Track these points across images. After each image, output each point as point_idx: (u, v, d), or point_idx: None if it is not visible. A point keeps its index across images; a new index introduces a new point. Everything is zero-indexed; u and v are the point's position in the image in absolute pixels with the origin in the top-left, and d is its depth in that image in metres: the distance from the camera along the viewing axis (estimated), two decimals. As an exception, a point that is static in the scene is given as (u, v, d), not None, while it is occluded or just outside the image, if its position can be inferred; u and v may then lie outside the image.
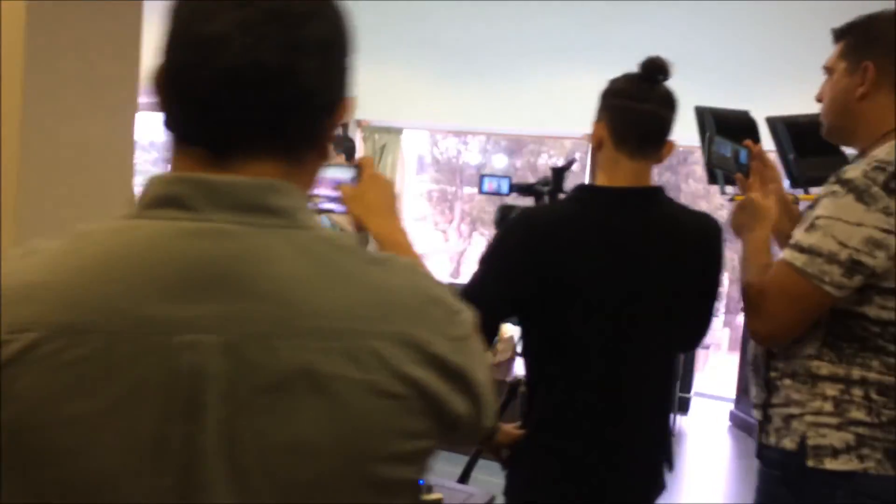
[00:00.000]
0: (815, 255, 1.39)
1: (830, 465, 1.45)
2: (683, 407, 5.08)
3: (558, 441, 1.53)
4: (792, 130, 2.46)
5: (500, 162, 10.95)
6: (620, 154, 1.53)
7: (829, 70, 1.58)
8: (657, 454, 1.59)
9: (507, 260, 1.51)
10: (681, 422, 5.16)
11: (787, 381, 1.52)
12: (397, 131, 6.37)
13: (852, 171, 1.42)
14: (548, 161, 10.20)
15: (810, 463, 1.46)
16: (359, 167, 1.15)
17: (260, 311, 0.62)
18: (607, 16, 5.64)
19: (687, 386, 5.01)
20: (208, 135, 0.66)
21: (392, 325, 0.66)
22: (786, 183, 2.05)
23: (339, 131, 5.81)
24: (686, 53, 5.42)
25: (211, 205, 0.64)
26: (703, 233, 1.57)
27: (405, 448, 0.66)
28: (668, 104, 1.54)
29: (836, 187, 1.41)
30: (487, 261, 1.53)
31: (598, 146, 1.57)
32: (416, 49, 6.17)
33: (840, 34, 1.56)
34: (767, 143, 2.77)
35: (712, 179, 2.97)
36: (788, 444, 1.49)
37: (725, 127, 2.78)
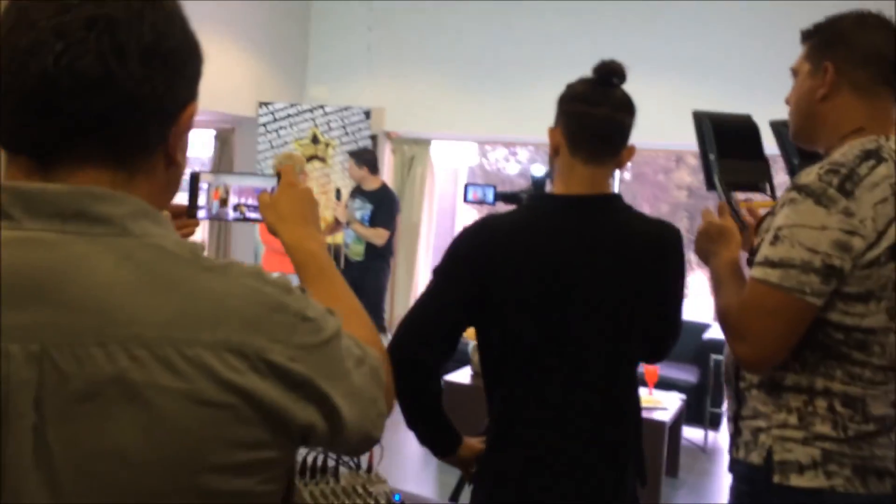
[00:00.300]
0: (789, 268, 1.33)
1: (796, 481, 1.40)
2: (715, 422, 4.94)
3: (510, 454, 1.50)
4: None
5: (539, 171, 10.88)
6: (575, 160, 1.50)
7: (794, 72, 1.54)
8: (616, 468, 1.52)
9: (455, 269, 1.50)
10: (713, 437, 5.02)
11: (755, 392, 1.47)
12: (425, 142, 6.38)
13: (806, 177, 1.37)
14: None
15: (776, 479, 1.41)
16: (279, 176, 1.14)
17: (71, 320, 0.62)
18: (632, 21, 5.57)
19: (718, 401, 4.86)
20: (28, 143, 0.66)
21: (219, 333, 0.65)
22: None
23: (367, 143, 5.80)
24: (706, 55, 5.33)
25: (27, 214, 0.64)
26: (659, 240, 1.53)
27: (237, 458, 0.65)
28: (624, 108, 1.50)
29: (794, 194, 1.37)
30: (439, 270, 1.53)
31: (554, 153, 1.55)
32: (443, 60, 6.18)
33: (806, 35, 1.51)
34: (770, 146, 2.67)
35: (711, 186, 2.89)
36: (755, 458, 1.44)
37: (725, 134, 2.70)
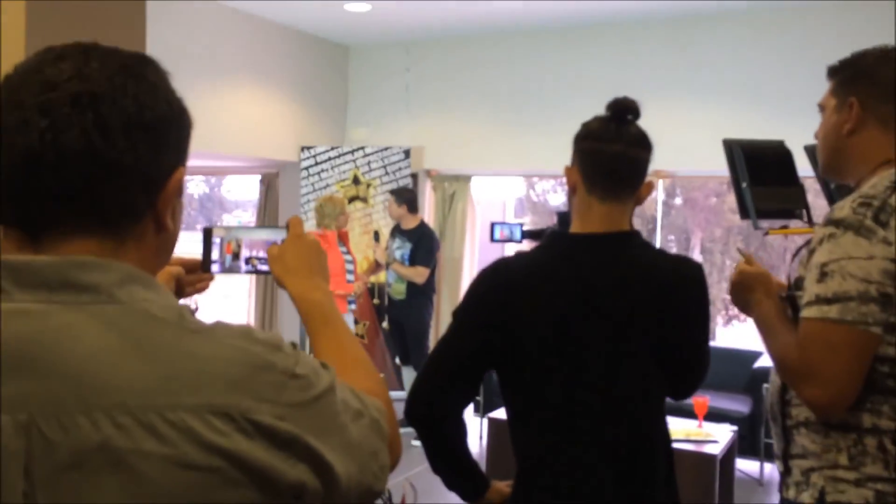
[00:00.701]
0: (847, 301, 1.31)
1: None
2: (770, 454, 4.77)
3: (536, 499, 1.48)
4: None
5: (564, 206, 10.77)
6: (592, 198, 1.50)
7: (822, 107, 1.56)
8: None
9: (475, 311, 1.51)
10: (769, 469, 4.85)
11: (803, 430, 1.44)
12: (466, 178, 6.43)
13: (840, 211, 1.37)
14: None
15: None
16: (287, 228, 1.17)
17: (57, 389, 0.63)
18: (676, 50, 5.55)
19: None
20: (17, 217, 0.70)
21: (202, 396, 0.66)
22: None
23: (408, 182, 5.91)
24: (751, 81, 5.27)
25: (15, 285, 0.67)
26: (680, 277, 1.50)
27: None
28: (639, 144, 1.49)
29: (831, 229, 1.35)
30: (459, 314, 1.53)
31: (572, 191, 1.54)
32: (480, 96, 6.24)
33: (832, 72, 1.54)
34: (804, 171, 2.63)
35: (745, 215, 2.84)
36: (807, 498, 1.42)
37: (757, 161, 2.66)
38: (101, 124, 0.68)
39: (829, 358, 1.32)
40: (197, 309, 0.81)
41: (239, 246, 1.19)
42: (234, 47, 5.72)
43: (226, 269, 1.18)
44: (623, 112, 1.49)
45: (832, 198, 2.65)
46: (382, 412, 0.83)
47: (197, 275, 1.16)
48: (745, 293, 1.56)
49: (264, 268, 1.18)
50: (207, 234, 1.17)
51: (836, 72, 1.52)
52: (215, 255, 1.18)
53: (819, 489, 1.40)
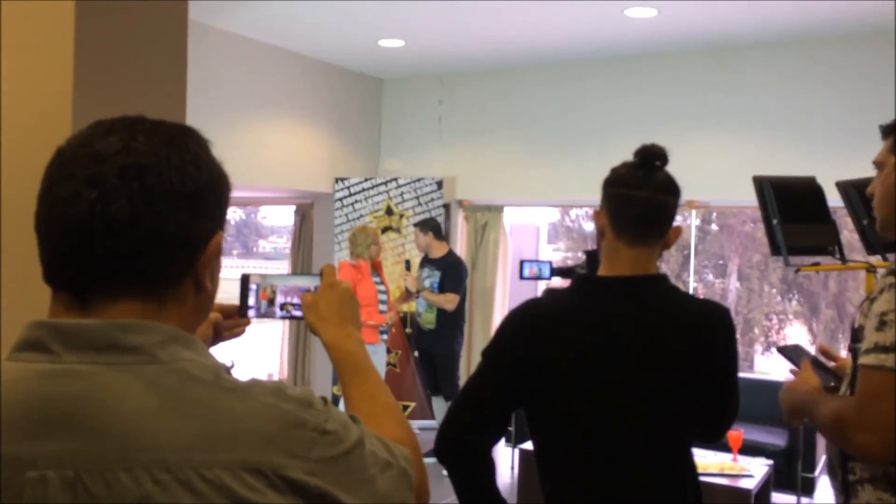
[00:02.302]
0: None
1: None
2: (808, 488, 4.69)
3: None
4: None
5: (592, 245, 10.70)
6: (620, 242, 1.53)
7: (878, 165, 1.57)
8: None
9: (503, 351, 1.54)
10: (806, 503, 4.76)
11: (868, 487, 1.44)
12: (498, 209, 6.47)
13: None
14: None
15: None
16: (321, 276, 1.21)
17: (100, 446, 0.67)
18: (708, 81, 5.55)
19: (811, 465, 4.63)
20: (67, 282, 0.74)
21: (237, 453, 0.69)
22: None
23: (440, 212, 5.97)
24: (783, 114, 5.24)
25: (65, 347, 0.71)
26: (706, 320, 1.52)
27: None
28: (667, 190, 1.52)
29: (892, 279, 1.38)
30: (487, 353, 1.56)
31: (601, 235, 1.58)
32: (512, 127, 6.29)
33: (888, 130, 1.56)
34: (835, 205, 2.61)
35: (776, 251, 2.83)
36: None
37: (787, 197, 2.66)
38: (147, 194, 0.73)
39: (885, 405, 1.31)
40: (233, 366, 0.85)
41: (274, 292, 1.23)
42: (271, 81, 5.86)
43: (261, 315, 1.22)
44: (651, 158, 1.52)
45: (865, 234, 2.64)
46: (410, 461, 0.85)
47: (234, 320, 1.19)
48: (801, 406, 1.57)
49: (298, 313, 1.22)
50: (244, 281, 1.21)
51: (892, 130, 1.54)
52: (251, 300, 1.22)
53: None
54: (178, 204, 0.75)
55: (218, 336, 1.18)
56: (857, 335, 1.45)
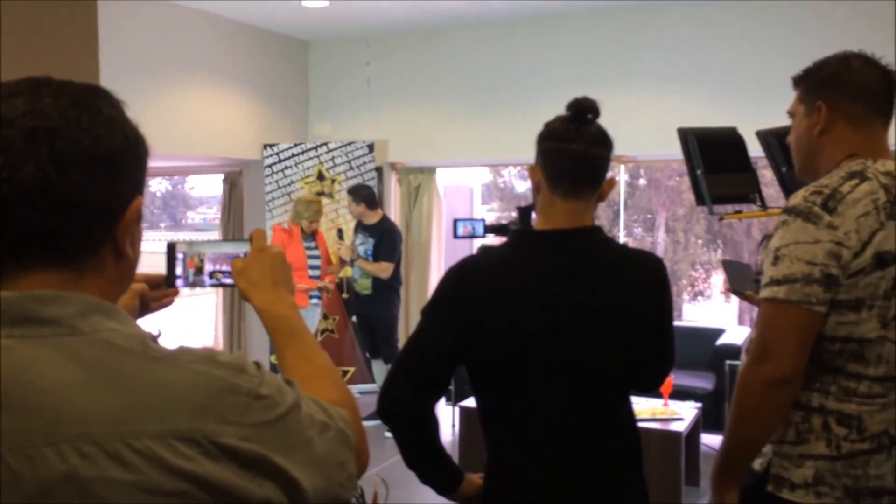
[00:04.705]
0: (793, 282, 1.42)
1: (787, 495, 1.48)
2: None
3: (508, 491, 1.53)
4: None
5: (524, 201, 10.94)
6: (555, 196, 1.54)
7: (791, 115, 1.65)
8: (618, 491, 1.55)
9: (442, 310, 1.54)
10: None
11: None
12: (430, 170, 6.45)
13: (794, 199, 1.49)
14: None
15: (769, 488, 1.50)
16: (251, 241, 1.18)
17: (23, 423, 0.65)
18: (633, 37, 5.62)
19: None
20: None
21: (167, 422, 0.67)
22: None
23: (373, 176, 5.96)
24: (708, 67, 5.36)
25: None
26: (642, 270, 1.55)
27: None
28: (599, 143, 1.53)
29: (785, 216, 1.47)
30: (427, 312, 1.56)
31: (536, 189, 1.58)
32: (442, 88, 6.26)
33: (797, 81, 1.63)
34: (755, 155, 2.69)
35: (700, 200, 2.90)
36: (757, 465, 1.53)
37: (710, 148, 2.73)
38: (57, 159, 0.69)
39: (779, 337, 1.43)
40: (160, 335, 0.83)
41: (202, 260, 1.20)
42: (191, 46, 5.67)
43: (190, 284, 1.19)
44: (583, 112, 1.52)
45: (784, 181, 2.74)
46: (348, 422, 0.85)
47: (161, 290, 1.16)
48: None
49: (228, 281, 1.19)
50: (171, 250, 1.18)
51: (801, 80, 1.61)
52: (179, 269, 1.18)
53: (767, 460, 1.52)
54: (91, 168, 0.72)
55: (145, 307, 1.15)
56: (759, 272, 1.55)
